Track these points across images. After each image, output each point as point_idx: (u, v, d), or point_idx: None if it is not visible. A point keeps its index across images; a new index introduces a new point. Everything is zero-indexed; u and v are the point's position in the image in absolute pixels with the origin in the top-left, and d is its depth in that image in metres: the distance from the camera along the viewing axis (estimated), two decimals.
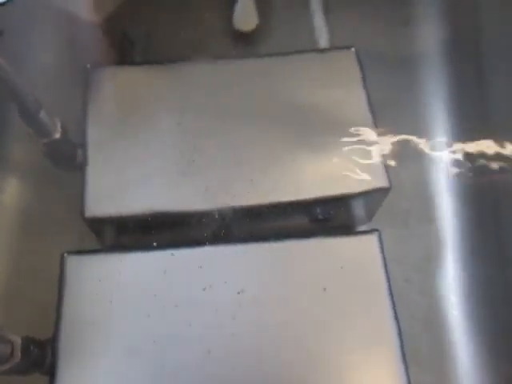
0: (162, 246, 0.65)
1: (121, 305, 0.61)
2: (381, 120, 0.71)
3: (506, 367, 0.75)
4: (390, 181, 0.68)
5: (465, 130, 0.88)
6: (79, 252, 0.64)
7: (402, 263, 0.81)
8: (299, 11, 1.00)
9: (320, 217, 0.68)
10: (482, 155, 0.76)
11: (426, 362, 0.76)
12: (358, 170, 0.68)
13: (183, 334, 0.60)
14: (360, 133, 0.70)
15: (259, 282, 0.62)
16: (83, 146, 0.70)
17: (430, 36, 0.98)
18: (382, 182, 0.68)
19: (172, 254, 0.64)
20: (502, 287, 0.80)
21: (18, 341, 0.54)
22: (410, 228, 0.85)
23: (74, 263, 0.63)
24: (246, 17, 0.97)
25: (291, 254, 0.64)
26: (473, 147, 0.76)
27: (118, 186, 0.67)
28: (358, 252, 0.65)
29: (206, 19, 0.98)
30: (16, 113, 0.64)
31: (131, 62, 0.82)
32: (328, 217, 0.69)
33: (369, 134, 0.70)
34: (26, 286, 0.77)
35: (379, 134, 0.70)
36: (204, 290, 0.62)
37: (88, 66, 0.75)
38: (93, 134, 0.70)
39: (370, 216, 0.77)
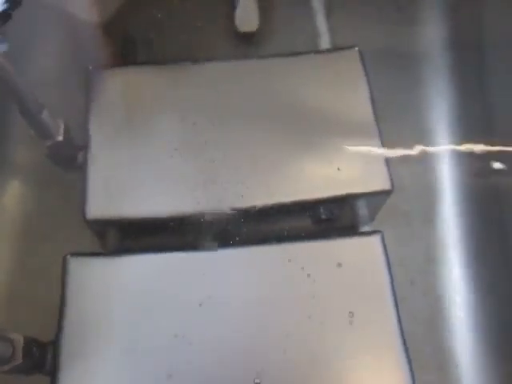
0: (164, 249, 0.64)
1: (123, 307, 0.61)
2: (383, 121, 0.71)
3: (510, 368, 0.75)
4: (392, 182, 0.68)
5: (467, 130, 0.88)
6: (81, 254, 0.64)
7: (405, 264, 0.81)
8: (301, 12, 0.99)
9: (323, 217, 0.68)
10: (485, 156, 0.76)
11: (430, 364, 0.75)
12: (360, 171, 0.68)
13: (185, 335, 0.60)
14: (363, 134, 0.70)
15: (262, 284, 0.62)
16: (85, 147, 0.70)
17: (432, 37, 0.97)
18: (384, 183, 0.68)
19: (174, 257, 0.64)
20: (507, 288, 0.80)
21: (19, 341, 0.54)
22: (413, 229, 0.84)
23: (76, 265, 0.63)
24: (247, 18, 0.97)
25: (294, 256, 0.64)
26: (475, 148, 0.76)
27: (120, 187, 0.67)
28: (361, 253, 0.64)
29: (207, 20, 0.98)
30: (18, 114, 0.64)
31: (133, 63, 0.81)
32: (331, 218, 0.68)
33: (371, 134, 0.70)
34: (28, 287, 0.77)
35: (382, 135, 0.70)
36: (206, 292, 0.62)
37: (89, 67, 0.75)
38: (94, 136, 0.70)
39: (372, 217, 0.77)
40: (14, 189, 0.86)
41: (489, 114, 0.90)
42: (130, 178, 0.67)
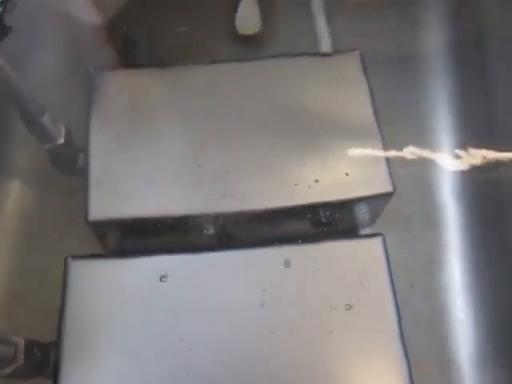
0: (166, 251, 0.64)
1: (124, 309, 0.61)
2: (385, 123, 0.71)
3: (511, 370, 0.75)
4: (393, 185, 0.68)
5: (469, 132, 0.88)
6: (83, 256, 0.64)
7: (406, 266, 0.81)
8: (302, 14, 0.99)
9: (324, 220, 0.68)
10: (486, 158, 0.76)
11: (431, 366, 0.75)
12: (362, 174, 0.68)
13: (185, 338, 0.60)
14: (364, 136, 0.70)
15: (263, 287, 0.62)
16: (86, 149, 0.69)
17: (433, 39, 0.97)
18: (386, 185, 0.68)
19: (175, 259, 0.64)
20: (508, 290, 0.80)
21: (21, 343, 0.54)
22: (414, 231, 0.84)
23: (77, 267, 0.63)
24: (248, 20, 0.97)
25: (294, 259, 0.64)
26: (477, 150, 0.76)
27: (121, 189, 0.67)
28: (362, 256, 0.64)
29: (208, 22, 0.98)
30: (18, 116, 0.64)
31: (133, 65, 0.82)
32: (332, 220, 0.68)
33: (373, 137, 0.70)
34: (29, 290, 0.77)
35: (383, 138, 0.70)
36: (207, 294, 0.62)
37: (90, 69, 0.75)
38: (95, 137, 0.70)
39: (373, 219, 0.77)
40: (15, 191, 0.86)
41: (490, 115, 0.90)
42: (131, 179, 0.67)
